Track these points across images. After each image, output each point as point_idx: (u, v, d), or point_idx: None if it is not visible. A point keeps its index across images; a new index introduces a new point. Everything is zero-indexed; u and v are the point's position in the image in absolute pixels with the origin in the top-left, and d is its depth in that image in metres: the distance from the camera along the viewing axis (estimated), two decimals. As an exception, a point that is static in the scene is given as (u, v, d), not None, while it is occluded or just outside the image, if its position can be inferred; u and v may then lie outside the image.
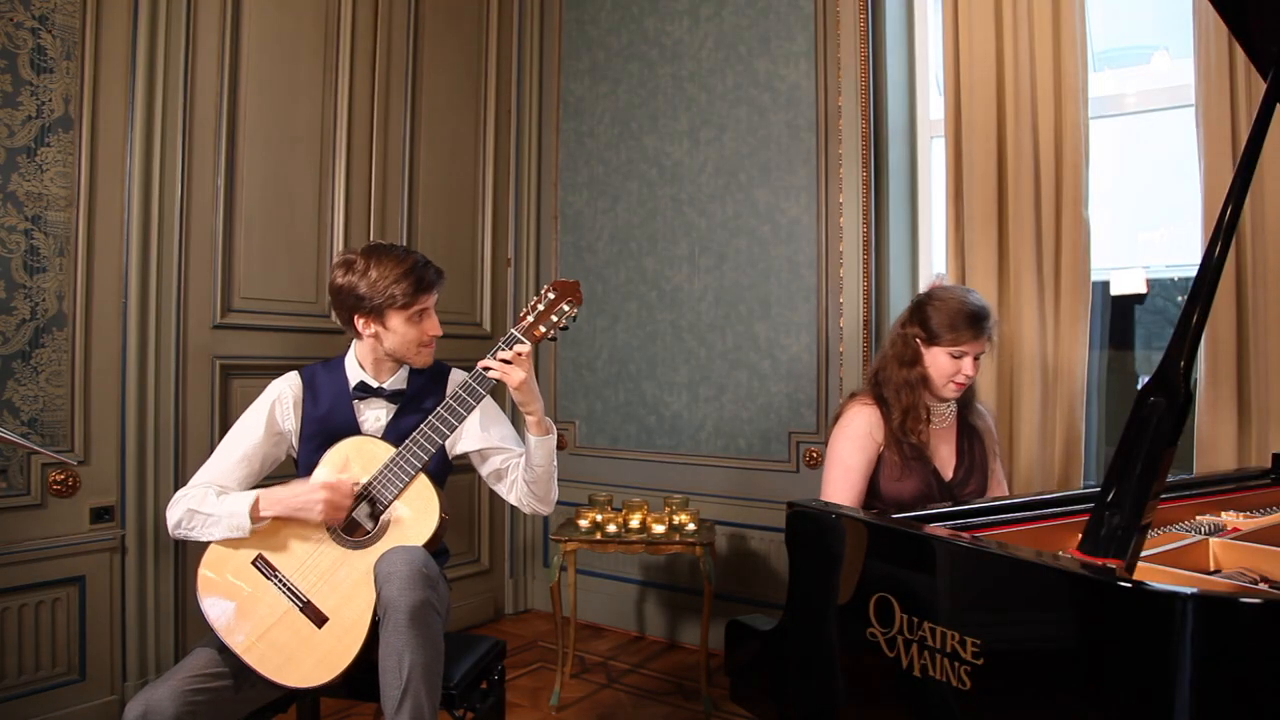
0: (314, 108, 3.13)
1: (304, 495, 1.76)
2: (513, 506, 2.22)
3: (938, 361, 2.08)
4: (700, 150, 3.48)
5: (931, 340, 2.08)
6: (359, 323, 1.92)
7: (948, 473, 2.15)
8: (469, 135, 3.74)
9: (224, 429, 2.78)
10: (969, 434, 2.22)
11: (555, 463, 2.00)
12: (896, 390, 2.09)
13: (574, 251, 3.84)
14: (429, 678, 1.61)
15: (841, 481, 2.07)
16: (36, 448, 2.18)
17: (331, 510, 1.75)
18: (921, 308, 2.12)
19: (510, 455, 2.02)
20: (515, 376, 1.85)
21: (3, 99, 2.37)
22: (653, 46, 3.61)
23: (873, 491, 2.11)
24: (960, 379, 2.07)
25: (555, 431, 1.98)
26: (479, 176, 3.78)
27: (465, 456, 2.04)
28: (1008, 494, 2.31)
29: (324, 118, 3.17)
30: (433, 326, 1.96)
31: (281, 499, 1.77)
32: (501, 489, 2.05)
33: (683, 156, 3.53)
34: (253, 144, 2.93)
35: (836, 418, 2.19)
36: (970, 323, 2.05)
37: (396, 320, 1.91)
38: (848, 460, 2.08)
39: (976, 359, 2.09)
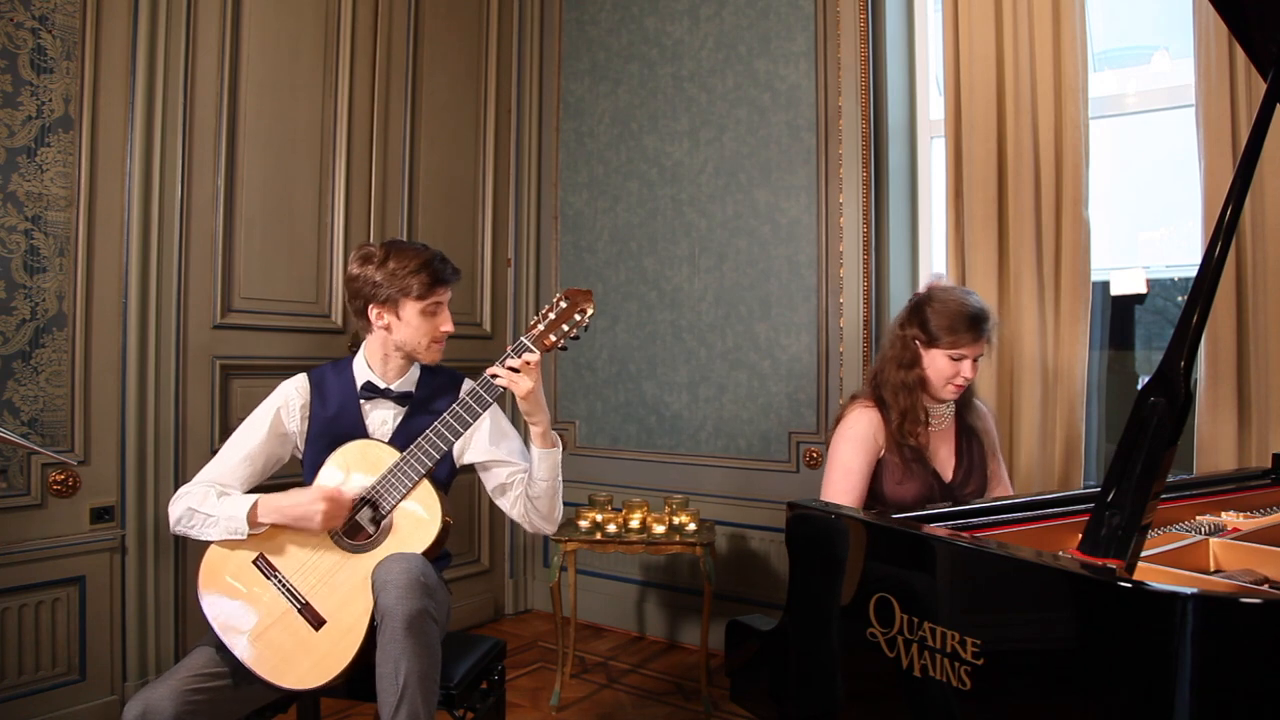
0: (314, 108, 3.13)
1: (304, 505, 1.75)
2: None
3: (936, 364, 2.06)
4: (700, 150, 3.48)
5: (930, 342, 2.06)
6: (372, 312, 1.93)
7: (947, 474, 2.14)
8: (469, 135, 3.73)
9: (224, 429, 2.79)
10: (967, 435, 2.21)
11: (560, 479, 1.98)
12: (895, 392, 2.08)
13: (574, 251, 3.84)
14: (425, 685, 1.61)
15: (842, 483, 2.06)
16: (36, 448, 2.18)
17: (329, 521, 1.76)
18: (920, 309, 2.10)
19: (516, 470, 2.00)
20: (523, 385, 1.83)
21: (3, 99, 2.37)
22: (653, 46, 3.61)
23: (875, 494, 2.11)
24: (959, 381, 2.06)
25: (560, 445, 1.97)
26: (479, 177, 3.78)
27: (471, 466, 2.04)
28: (1010, 493, 2.30)
29: (324, 118, 3.17)
30: (445, 322, 1.97)
31: (280, 507, 1.77)
32: (505, 504, 2.03)
33: (683, 157, 3.53)
34: (253, 144, 2.93)
35: (837, 420, 2.18)
36: (970, 325, 2.03)
37: (410, 311, 1.91)
38: (849, 463, 2.07)
39: (975, 361, 2.08)
